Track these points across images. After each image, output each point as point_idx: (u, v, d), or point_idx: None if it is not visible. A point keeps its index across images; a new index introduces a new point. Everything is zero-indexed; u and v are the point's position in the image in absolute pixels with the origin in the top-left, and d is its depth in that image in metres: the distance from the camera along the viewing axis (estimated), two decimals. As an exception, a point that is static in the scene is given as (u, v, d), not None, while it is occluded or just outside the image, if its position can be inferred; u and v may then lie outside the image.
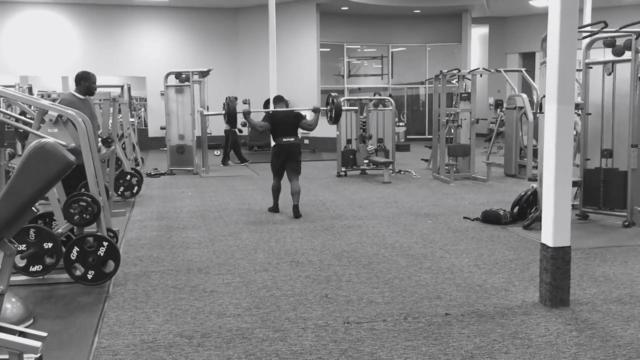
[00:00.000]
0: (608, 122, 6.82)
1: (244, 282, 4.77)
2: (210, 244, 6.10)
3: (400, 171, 11.79)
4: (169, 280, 4.83)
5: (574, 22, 4.00)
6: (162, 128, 14.80)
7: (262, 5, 15.97)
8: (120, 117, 10.36)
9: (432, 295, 4.40)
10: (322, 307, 4.16)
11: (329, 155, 14.72)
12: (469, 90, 11.33)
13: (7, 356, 2.42)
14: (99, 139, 6.42)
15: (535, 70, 15.78)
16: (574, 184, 6.61)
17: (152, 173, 11.93)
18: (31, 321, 3.89)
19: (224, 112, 7.50)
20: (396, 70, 20.72)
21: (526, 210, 6.94)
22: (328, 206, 8.20)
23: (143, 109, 19.35)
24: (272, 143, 7.88)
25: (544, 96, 4.46)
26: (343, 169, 11.59)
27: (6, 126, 6.27)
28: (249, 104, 16.49)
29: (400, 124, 18.05)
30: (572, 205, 6.41)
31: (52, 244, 4.53)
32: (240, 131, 13.61)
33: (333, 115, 7.62)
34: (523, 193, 7.12)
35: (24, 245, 4.48)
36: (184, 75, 12.26)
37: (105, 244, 4.58)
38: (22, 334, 2.54)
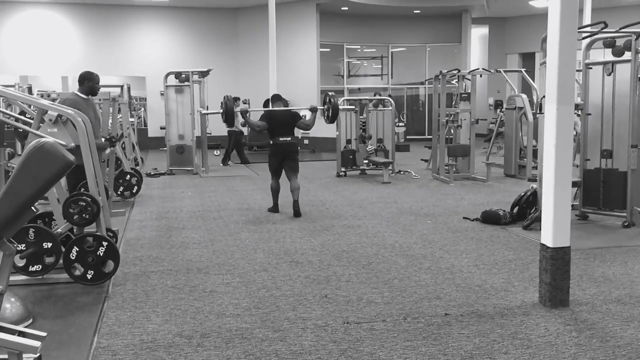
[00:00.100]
0: (608, 123, 6.82)
1: (243, 282, 4.77)
2: (209, 244, 6.10)
3: (399, 171, 11.78)
4: (169, 280, 4.83)
5: (574, 23, 4.00)
6: (161, 128, 14.81)
7: (262, 5, 15.97)
8: (120, 117, 10.35)
9: (432, 295, 4.40)
10: (321, 307, 4.16)
11: (329, 155, 14.72)
12: (469, 91, 11.33)
13: (6, 356, 2.42)
14: (103, 139, 6.43)
15: (535, 71, 15.78)
16: (574, 184, 6.61)
17: (152, 173, 11.92)
18: (30, 321, 3.89)
19: (221, 111, 7.51)
20: (396, 71, 20.73)
21: (526, 210, 6.94)
22: (328, 206, 8.20)
23: (143, 109, 19.34)
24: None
25: (544, 96, 4.46)
26: (343, 169, 11.59)
27: (6, 126, 6.28)
28: (248, 103, 16.51)
29: (400, 124, 18.05)
30: (572, 206, 6.41)
31: (51, 244, 4.53)
32: (242, 132, 13.61)
33: (330, 114, 7.62)
34: (523, 193, 7.12)
35: (24, 245, 4.48)
36: (183, 75, 12.25)
37: (104, 243, 4.58)
38: (21, 334, 2.54)
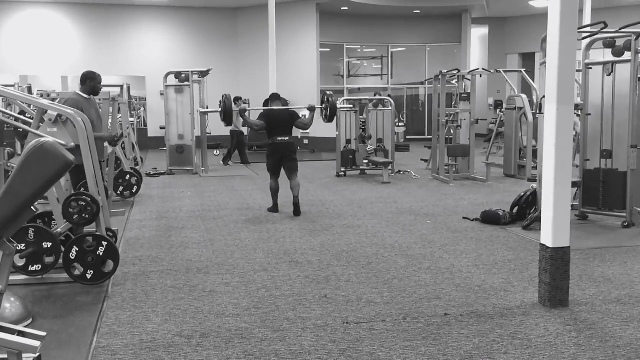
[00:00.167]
0: (608, 123, 6.82)
1: (243, 282, 4.77)
2: (209, 243, 6.10)
3: (399, 171, 11.79)
4: (168, 280, 4.83)
5: (574, 23, 4.00)
6: (161, 128, 14.82)
7: (262, 5, 15.98)
8: (120, 117, 10.35)
9: (432, 295, 4.40)
10: (321, 307, 4.15)
11: (329, 155, 14.72)
12: (469, 91, 11.33)
13: (6, 355, 2.41)
14: None
15: (535, 71, 15.79)
16: (574, 184, 6.61)
17: (152, 173, 11.92)
18: (30, 321, 3.89)
19: (220, 109, 7.53)
20: (396, 71, 20.74)
21: (525, 210, 6.94)
22: (327, 206, 8.20)
23: (142, 109, 19.35)
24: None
25: (544, 97, 4.47)
26: (342, 169, 11.59)
27: (6, 125, 6.28)
28: (248, 103, 16.50)
29: (400, 124, 18.06)
30: (572, 206, 6.41)
31: (51, 244, 4.53)
32: (242, 132, 13.62)
33: (328, 113, 7.63)
34: (522, 193, 7.12)
35: (23, 245, 4.48)
36: (183, 75, 12.26)
37: (104, 243, 4.58)
38: (21, 334, 2.54)
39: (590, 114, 6.91)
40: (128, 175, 8.77)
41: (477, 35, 22.13)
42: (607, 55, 7.03)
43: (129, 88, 12.87)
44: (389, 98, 12.77)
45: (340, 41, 19.41)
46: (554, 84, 4.00)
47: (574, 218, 6.93)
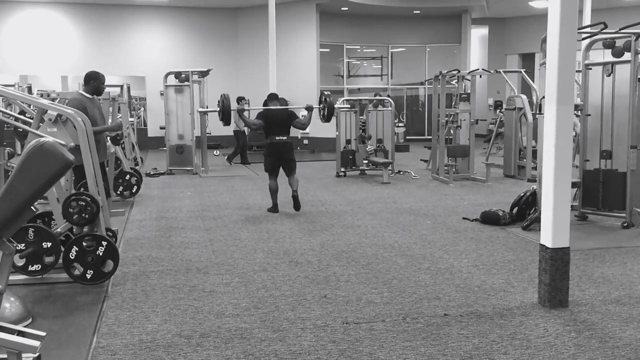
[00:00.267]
0: (607, 124, 6.83)
1: (242, 282, 4.77)
2: (209, 243, 6.10)
3: (399, 172, 11.79)
4: (168, 280, 4.83)
5: (574, 23, 4.00)
6: (161, 128, 14.81)
7: (262, 5, 15.98)
8: (120, 117, 10.36)
9: (431, 295, 4.40)
10: (321, 307, 4.16)
11: (328, 155, 14.72)
12: (469, 91, 11.33)
13: (5, 355, 2.41)
14: (108, 137, 6.44)
15: (534, 71, 15.79)
16: (573, 185, 6.62)
17: (152, 173, 11.92)
18: (30, 320, 3.89)
19: (218, 109, 7.55)
20: (396, 71, 20.74)
21: (525, 211, 6.95)
22: (327, 206, 8.20)
23: (142, 109, 19.35)
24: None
25: (544, 97, 4.47)
26: (342, 170, 11.59)
27: (5, 125, 6.28)
28: (248, 103, 16.50)
29: (400, 124, 18.06)
30: (571, 207, 6.42)
31: (51, 244, 4.53)
32: (244, 132, 13.64)
33: (325, 113, 7.69)
34: (522, 194, 7.12)
35: (23, 245, 4.48)
36: (183, 75, 12.25)
37: (104, 243, 4.58)
38: (20, 333, 2.54)
39: (590, 115, 6.91)
40: (128, 175, 8.77)
41: (477, 35, 22.13)
42: (607, 56, 7.03)
43: (128, 88, 12.86)
44: (388, 98, 12.78)
45: (340, 41, 19.41)
46: (554, 84, 4.01)
47: (574, 218, 6.93)
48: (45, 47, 17.43)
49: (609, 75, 6.76)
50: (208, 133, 13.34)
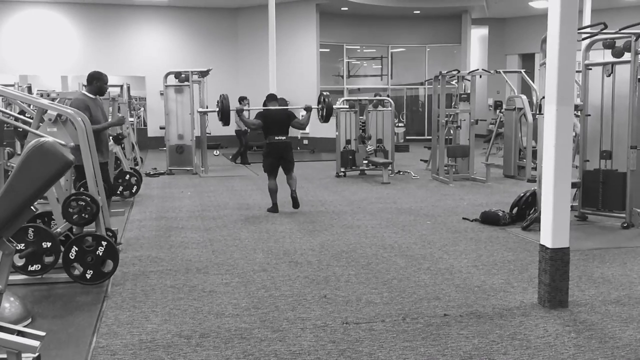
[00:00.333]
0: (607, 124, 6.83)
1: (242, 282, 4.77)
2: (209, 244, 6.10)
3: (399, 172, 11.79)
4: (168, 280, 4.83)
5: (574, 24, 4.00)
6: (161, 128, 14.81)
7: (262, 5, 15.98)
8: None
9: (431, 296, 4.40)
10: (320, 307, 4.15)
11: (328, 155, 14.72)
12: (469, 91, 11.33)
13: (5, 355, 2.41)
14: (110, 137, 6.45)
15: (534, 72, 15.79)
16: (573, 185, 6.61)
17: (151, 173, 11.92)
18: (29, 320, 3.89)
19: (217, 109, 7.59)
20: (395, 71, 20.73)
21: (525, 211, 6.95)
22: (327, 206, 8.20)
23: (142, 109, 19.35)
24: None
25: (544, 97, 4.47)
26: (342, 170, 11.59)
27: (5, 125, 6.28)
28: (248, 103, 16.50)
29: (400, 124, 18.06)
30: (571, 207, 6.41)
31: (50, 243, 4.53)
32: (246, 132, 13.64)
33: (324, 114, 7.74)
34: (522, 194, 7.12)
35: (23, 244, 4.48)
36: (183, 75, 12.25)
37: (104, 243, 4.58)
38: (20, 333, 2.54)
39: (589, 115, 6.91)
40: (128, 175, 8.77)
41: (477, 35, 22.13)
42: (607, 56, 7.03)
43: (128, 88, 12.86)
44: (388, 98, 12.78)
45: (340, 41, 19.41)
46: (554, 84, 4.00)
47: (574, 219, 6.93)
48: (45, 47, 17.43)
49: (609, 75, 6.76)
50: (208, 133, 13.34)
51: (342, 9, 18.07)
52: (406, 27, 19.89)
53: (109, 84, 6.21)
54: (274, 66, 13.36)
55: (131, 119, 13.53)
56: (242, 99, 13.91)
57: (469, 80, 11.61)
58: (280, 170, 7.78)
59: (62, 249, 4.60)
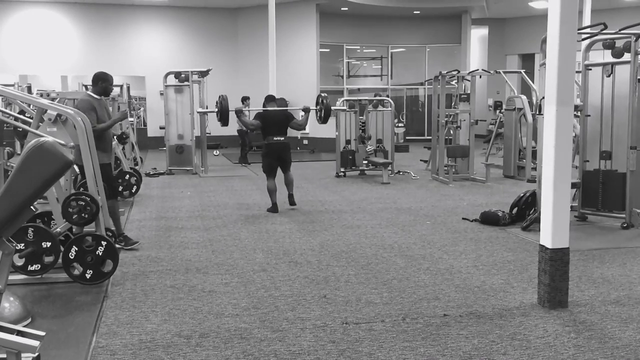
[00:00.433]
0: (607, 124, 6.83)
1: (242, 282, 4.77)
2: (208, 243, 6.10)
3: (399, 172, 11.79)
4: (168, 280, 4.82)
5: (574, 24, 4.00)
6: (161, 128, 14.80)
7: (262, 5, 15.98)
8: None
9: (431, 296, 4.40)
10: (320, 307, 4.15)
11: (328, 155, 14.72)
12: (468, 92, 11.33)
13: (4, 355, 2.41)
14: (114, 136, 6.44)
15: (534, 72, 15.79)
16: (573, 185, 6.62)
17: (151, 173, 11.92)
18: (29, 320, 3.89)
19: (216, 110, 7.64)
20: (395, 71, 20.73)
21: (525, 211, 6.95)
22: (327, 206, 8.20)
23: (142, 109, 19.34)
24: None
25: (543, 98, 4.47)
26: (342, 170, 11.59)
27: (5, 125, 6.27)
28: (248, 104, 16.50)
29: (400, 124, 18.05)
30: (571, 207, 6.41)
31: (50, 243, 4.53)
32: (247, 132, 13.65)
33: (322, 115, 7.82)
34: (522, 194, 7.12)
35: (23, 244, 4.48)
36: (183, 75, 12.25)
37: (103, 243, 4.58)
38: (20, 333, 2.54)
39: (589, 115, 6.91)
40: (127, 175, 8.77)
41: (477, 36, 22.13)
42: (607, 57, 7.03)
43: (128, 88, 12.87)
44: (388, 99, 12.78)
45: (340, 42, 19.41)
46: (554, 85, 4.01)
47: (573, 219, 6.93)
48: (45, 47, 17.42)
49: (609, 75, 6.76)
50: (208, 133, 13.35)
51: (342, 9, 18.06)
52: (406, 27, 19.88)
53: None
54: (274, 66, 13.36)
55: (131, 119, 13.53)
56: (244, 99, 13.90)
57: (468, 81, 11.61)
58: (280, 171, 7.90)
59: (62, 248, 4.60)
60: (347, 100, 12.51)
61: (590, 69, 6.91)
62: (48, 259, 4.59)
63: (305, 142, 17.38)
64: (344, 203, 8.51)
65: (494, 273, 4.98)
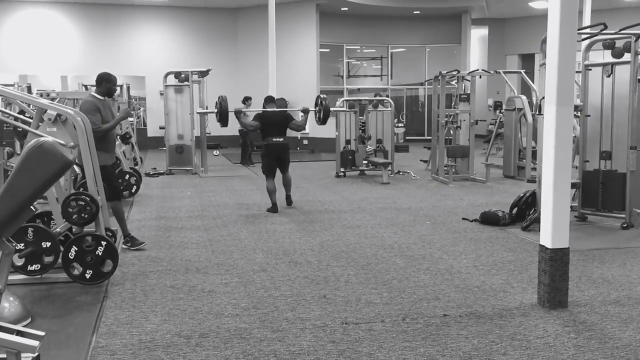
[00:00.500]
0: (607, 124, 6.83)
1: (242, 282, 4.77)
2: (208, 243, 6.10)
3: (399, 172, 11.78)
4: (167, 280, 4.82)
5: (574, 24, 4.00)
6: (161, 128, 14.80)
7: (262, 5, 15.97)
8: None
9: (431, 296, 4.40)
10: (320, 307, 4.15)
11: (328, 155, 14.72)
12: (468, 92, 11.33)
13: (4, 355, 2.41)
14: (117, 136, 6.44)
15: (534, 72, 15.79)
16: (573, 185, 6.62)
17: (151, 173, 11.92)
18: (29, 320, 3.89)
19: (216, 110, 7.66)
20: (395, 71, 20.73)
21: (525, 211, 6.95)
22: (327, 206, 8.20)
23: (142, 109, 19.34)
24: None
25: (543, 98, 4.47)
26: (342, 170, 11.58)
27: (5, 125, 6.27)
28: (250, 105, 16.51)
29: (400, 124, 18.05)
30: (571, 207, 6.41)
31: (50, 243, 4.53)
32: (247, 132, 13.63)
33: (321, 116, 7.89)
34: (522, 194, 7.12)
35: (22, 244, 4.48)
36: (183, 75, 12.25)
37: (103, 243, 4.58)
38: (19, 333, 2.54)
39: (589, 115, 6.91)
40: (127, 175, 8.77)
41: (477, 36, 22.13)
42: (607, 57, 7.03)
43: (128, 88, 12.86)
44: (388, 99, 12.77)
45: (339, 42, 19.40)
46: (554, 85, 4.01)
47: (573, 219, 6.93)
48: (45, 46, 17.41)
49: (609, 76, 6.76)
50: (208, 133, 13.35)
51: (342, 9, 18.06)
52: (406, 27, 19.88)
53: None
54: (274, 66, 13.35)
55: (131, 119, 13.52)
56: (246, 99, 13.91)
57: (468, 81, 11.61)
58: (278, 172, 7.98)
59: (62, 248, 4.60)
60: (347, 100, 12.52)
61: (590, 69, 6.91)
62: (48, 259, 4.59)
63: (305, 142, 17.38)
64: (344, 203, 8.51)
65: (494, 273, 4.98)
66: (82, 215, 4.56)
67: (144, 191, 9.37)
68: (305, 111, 7.93)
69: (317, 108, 7.98)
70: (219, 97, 7.73)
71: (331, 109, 8.14)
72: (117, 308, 4.15)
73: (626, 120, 6.57)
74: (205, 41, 18.79)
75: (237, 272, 5.04)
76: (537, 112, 7.67)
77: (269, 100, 8.22)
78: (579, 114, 6.99)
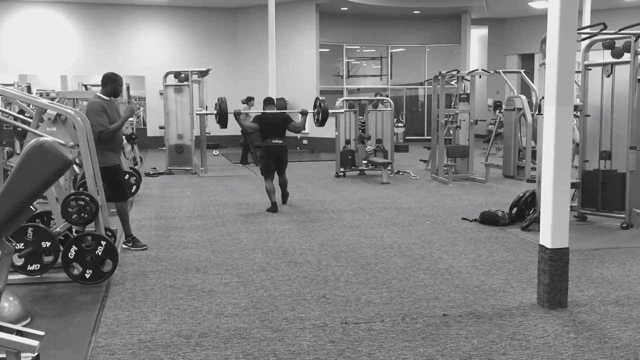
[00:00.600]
0: (607, 124, 6.83)
1: (242, 282, 4.77)
2: (208, 243, 6.10)
3: (399, 172, 11.78)
4: (167, 279, 4.82)
5: (573, 24, 4.00)
6: (160, 127, 14.79)
7: (261, 5, 15.97)
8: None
9: (430, 296, 4.40)
10: (320, 307, 4.16)
11: (328, 155, 14.72)
12: (468, 91, 11.33)
13: (4, 355, 2.41)
14: (123, 136, 6.43)
15: (534, 72, 15.79)
16: (573, 185, 6.62)
17: (151, 172, 11.91)
18: (29, 320, 3.89)
19: (215, 111, 7.70)
20: (395, 71, 20.72)
21: (524, 211, 6.95)
22: (326, 206, 8.20)
23: (142, 109, 19.33)
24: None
25: (543, 98, 4.47)
26: (342, 170, 11.58)
27: (5, 125, 6.28)
28: (252, 105, 16.51)
29: (399, 124, 18.05)
30: (571, 207, 6.41)
31: (50, 243, 4.53)
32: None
33: (320, 118, 7.94)
34: (521, 194, 7.12)
35: (22, 244, 4.48)
36: (183, 75, 12.25)
37: (103, 243, 4.58)
38: (19, 333, 2.54)
39: (589, 115, 6.91)
40: (127, 175, 8.75)
41: (477, 36, 22.12)
42: (607, 57, 7.03)
43: (128, 88, 12.85)
44: (388, 98, 12.77)
45: (339, 41, 19.40)
46: (553, 85, 4.01)
47: (573, 219, 6.93)
48: (45, 46, 17.41)
49: (609, 76, 6.76)
50: (207, 133, 13.34)
51: (342, 9, 18.06)
52: (406, 27, 19.87)
53: None
54: (274, 66, 13.35)
55: (131, 119, 13.50)
56: (249, 99, 13.90)
57: (468, 81, 11.61)
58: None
59: (62, 248, 4.60)
60: (346, 100, 12.52)
61: (590, 69, 6.91)
62: (47, 259, 4.59)
63: (305, 142, 17.38)
64: (344, 203, 8.51)
65: (494, 273, 4.98)
66: (82, 215, 4.56)
67: (144, 191, 9.37)
68: (304, 113, 8.02)
69: (315, 110, 8.03)
70: (218, 99, 7.75)
71: (330, 111, 8.16)
72: (117, 308, 4.15)
73: (626, 120, 6.58)
74: (205, 41, 18.79)
75: (237, 272, 5.04)
76: (537, 112, 7.67)
77: (268, 102, 8.27)
78: (578, 113, 6.99)
